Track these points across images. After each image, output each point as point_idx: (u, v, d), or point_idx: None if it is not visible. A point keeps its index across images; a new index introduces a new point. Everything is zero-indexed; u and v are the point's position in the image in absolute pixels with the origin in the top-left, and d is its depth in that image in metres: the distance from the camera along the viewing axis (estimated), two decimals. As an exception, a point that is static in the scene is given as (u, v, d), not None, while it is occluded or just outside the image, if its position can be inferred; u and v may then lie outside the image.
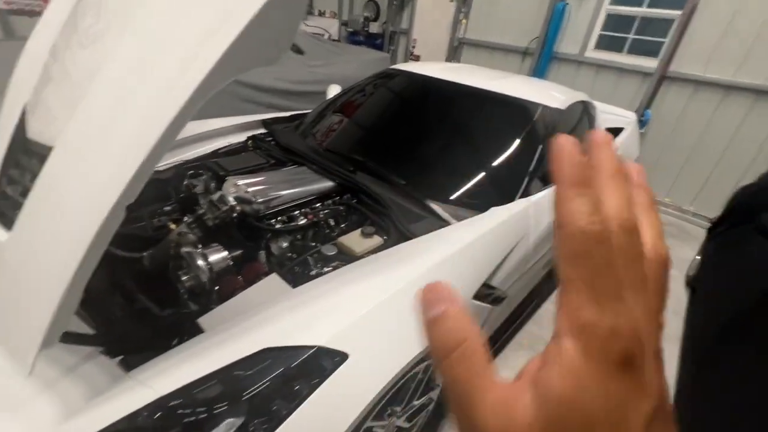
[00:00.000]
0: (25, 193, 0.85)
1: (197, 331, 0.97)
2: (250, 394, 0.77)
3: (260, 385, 0.78)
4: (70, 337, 0.84)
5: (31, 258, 0.78)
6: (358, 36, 6.18)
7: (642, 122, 3.75)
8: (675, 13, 3.46)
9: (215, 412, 0.76)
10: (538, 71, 4.34)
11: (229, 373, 0.80)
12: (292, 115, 2.31)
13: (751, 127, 3.33)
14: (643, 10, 3.70)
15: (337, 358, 0.84)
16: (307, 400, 0.79)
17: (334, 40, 5.84)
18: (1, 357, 0.78)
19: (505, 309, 1.70)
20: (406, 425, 1.23)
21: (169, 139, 0.63)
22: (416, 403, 1.20)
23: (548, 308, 2.18)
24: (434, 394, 1.28)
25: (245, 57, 0.65)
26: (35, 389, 0.81)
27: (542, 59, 4.29)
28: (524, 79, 2.51)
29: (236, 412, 0.76)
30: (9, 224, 0.84)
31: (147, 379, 0.81)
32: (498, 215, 1.39)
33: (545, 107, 1.90)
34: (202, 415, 0.76)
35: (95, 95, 0.75)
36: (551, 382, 0.17)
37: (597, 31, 4.02)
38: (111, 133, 0.69)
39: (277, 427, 0.76)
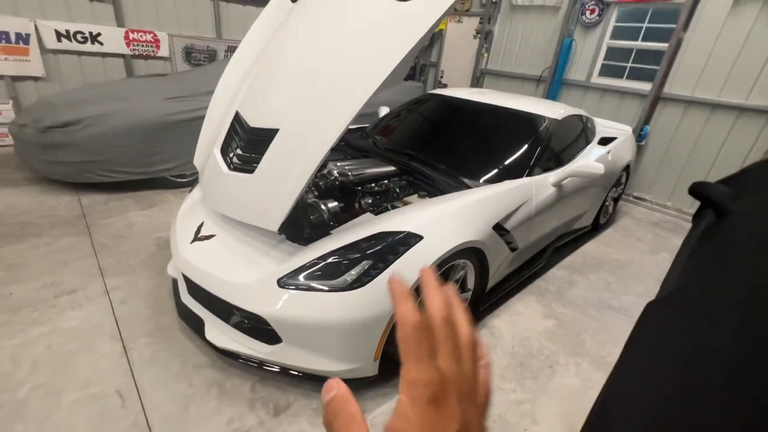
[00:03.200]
0: (253, 158, 1.65)
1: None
2: (374, 250, 1.51)
3: (379, 247, 1.52)
4: (280, 228, 1.61)
5: (270, 184, 1.56)
6: (392, 69, 7.15)
7: (641, 136, 4.37)
8: (664, 45, 4.15)
9: (357, 256, 1.50)
10: (551, 95, 5.08)
11: (362, 242, 1.54)
12: (356, 128, 3.14)
13: (737, 139, 3.90)
14: (637, 44, 4.41)
15: (418, 238, 1.57)
16: (401, 256, 1.52)
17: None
18: (261, 226, 1.58)
19: (519, 258, 2.36)
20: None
21: (352, 120, 1.41)
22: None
23: (554, 272, 2.81)
24: (467, 296, 1.96)
25: (392, 78, 1.42)
26: (262, 252, 1.59)
27: (554, 85, 5.03)
28: (531, 98, 3.25)
29: (367, 258, 1.50)
30: (249, 171, 1.64)
31: (316, 246, 1.57)
32: (509, 183, 2.11)
33: (544, 117, 2.63)
34: (349, 260, 1.50)
35: (305, 96, 1.55)
36: (390, 423, 0.25)
37: (600, 60, 4.75)
38: (320, 117, 1.49)
39: (386, 268, 1.49)
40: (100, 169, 3.22)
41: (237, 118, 1.85)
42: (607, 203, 3.51)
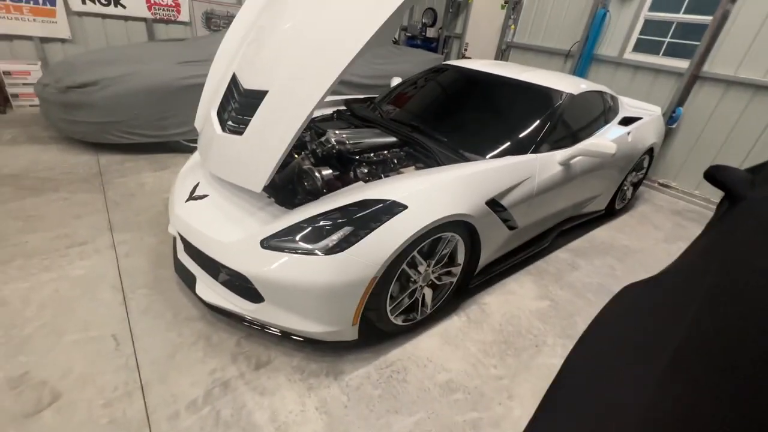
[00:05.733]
0: (244, 120, 1.65)
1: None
2: (357, 217, 1.51)
3: (362, 214, 1.52)
4: (265, 189, 1.63)
5: (257, 146, 1.57)
6: (415, 40, 6.92)
7: (672, 118, 4.08)
8: (708, 18, 3.79)
9: (339, 222, 1.50)
10: (579, 72, 4.79)
11: (347, 208, 1.54)
12: (365, 98, 3.08)
13: (779, 124, 3.58)
14: (679, 16, 4.05)
15: (401, 207, 1.55)
16: (383, 224, 1.51)
17: (394, 43, 6.62)
18: (246, 187, 1.60)
19: (519, 237, 2.30)
20: (432, 288, 1.90)
21: (337, 80, 1.37)
22: (442, 272, 1.87)
23: (557, 254, 2.73)
24: (456, 270, 1.94)
25: (380, 36, 1.37)
26: (249, 213, 1.62)
27: (582, 61, 4.73)
28: (551, 72, 3.07)
29: (350, 224, 1.50)
30: (240, 133, 1.64)
31: (301, 210, 1.58)
32: (508, 159, 2.03)
33: (558, 91, 2.49)
34: (331, 225, 1.51)
35: (291, 56, 1.53)
36: None
37: (635, 35, 4.40)
38: (304, 78, 1.46)
39: (367, 234, 1.48)
40: (117, 131, 3.33)
41: (233, 80, 1.85)
42: (625, 188, 3.34)
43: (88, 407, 1.39)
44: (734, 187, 1.67)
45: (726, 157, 3.93)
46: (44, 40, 4.43)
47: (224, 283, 1.68)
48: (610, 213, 3.35)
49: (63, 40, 4.54)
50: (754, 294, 0.92)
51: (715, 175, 1.74)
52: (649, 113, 3.42)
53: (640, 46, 4.41)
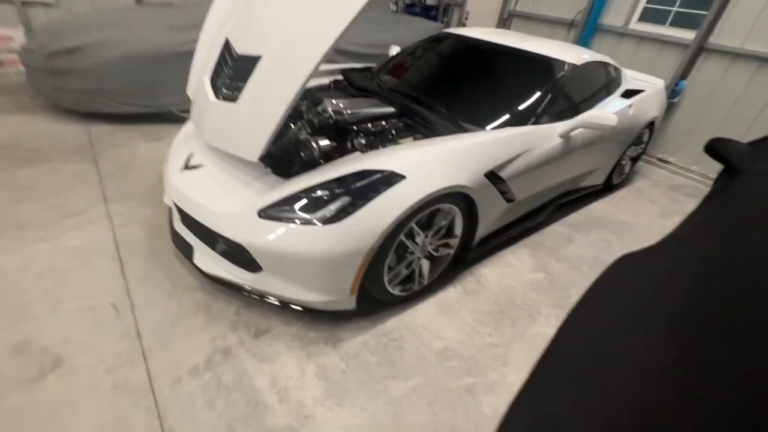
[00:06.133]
0: (238, 87, 1.60)
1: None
2: (355, 187, 1.50)
3: (360, 184, 1.50)
4: (262, 159, 1.60)
5: (252, 114, 1.53)
6: (414, 8, 6.66)
7: (675, 92, 4.01)
8: (718, -14, 3.65)
9: (337, 192, 1.49)
10: (582, 42, 4.65)
11: (345, 178, 1.52)
12: (363, 67, 2.98)
13: (782, 98, 3.53)
14: (688, -16, 3.90)
15: (400, 178, 1.53)
16: (381, 194, 1.49)
17: (393, 11, 6.38)
18: (242, 156, 1.57)
19: (517, 210, 2.30)
20: (429, 261, 1.91)
21: (335, 42, 1.32)
22: (439, 242, 1.88)
23: (553, 227, 2.75)
24: (453, 242, 1.95)
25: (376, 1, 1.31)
26: (246, 183, 1.59)
27: (586, 31, 4.59)
28: (553, 42, 2.98)
29: (348, 194, 1.49)
30: (234, 100, 1.60)
31: (298, 180, 1.56)
32: (508, 130, 2.00)
33: (560, 62, 2.43)
34: (329, 195, 1.50)
35: (284, 20, 1.46)
36: None
37: (642, 3, 4.26)
38: (299, 43, 1.41)
39: (365, 204, 1.47)
40: (105, 99, 3.23)
41: (226, 45, 1.78)
42: (624, 162, 3.32)
43: (91, 373, 1.42)
44: (735, 160, 1.66)
45: (727, 131, 3.89)
46: (26, 4, 4.21)
47: (222, 253, 1.68)
48: (607, 187, 3.34)
49: (45, 4, 4.32)
50: (752, 267, 0.93)
51: (715, 148, 1.73)
52: (652, 86, 3.35)
53: (646, 16, 4.27)
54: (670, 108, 4.09)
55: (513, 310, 1.98)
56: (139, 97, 3.31)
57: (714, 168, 4.09)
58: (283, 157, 1.85)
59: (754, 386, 0.60)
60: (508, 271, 2.26)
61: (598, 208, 3.13)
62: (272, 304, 1.65)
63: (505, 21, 5.56)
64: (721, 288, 0.86)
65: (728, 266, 0.95)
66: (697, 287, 0.87)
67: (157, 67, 3.22)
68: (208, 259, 1.72)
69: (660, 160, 4.32)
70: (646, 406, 0.60)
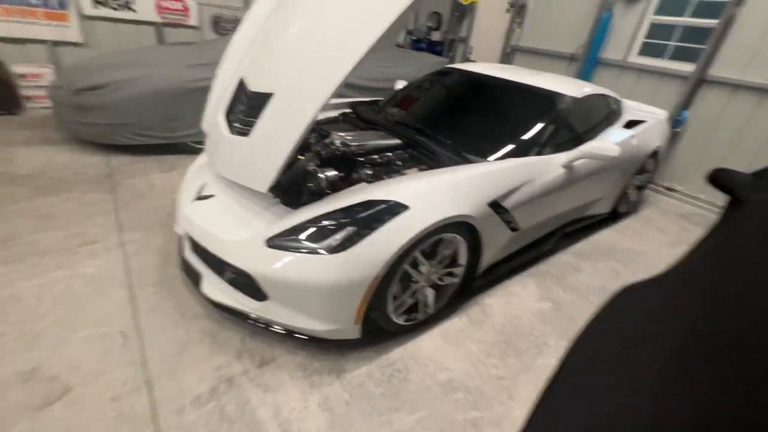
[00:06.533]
0: (251, 122, 1.69)
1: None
2: (360, 217, 1.54)
3: (365, 214, 1.55)
4: (271, 189, 1.66)
5: (263, 147, 1.61)
6: (420, 43, 6.96)
7: (678, 122, 4.07)
8: (714, 22, 3.78)
9: (343, 222, 1.53)
10: (583, 75, 4.79)
11: (351, 208, 1.57)
12: (370, 100, 3.11)
13: (787, 128, 3.56)
14: (684, 20, 4.05)
15: (404, 208, 1.58)
16: (385, 224, 1.54)
17: (399, 47, 6.67)
18: (252, 187, 1.64)
19: (521, 239, 2.32)
20: (434, 290, 1.92)
21: (342, 83, 1.41)
22: (443, 271, 1.89)
23: (560, 257, 2.74)
24: (458, 271, 1.96)
25: (384, 40, 1.40)
26: (255, 213, 1.65)
27: (587, 64, 4.74)
28: (555, 76, 3.09)
29: (353, 224, 1.53)
30: (246, 134, 1.69)
31: (305, 210, 1.62)
32: (511, 161, 2.06)
33: (560, 95, 2.51)
34: (335, 225, 1.54)
35: (295, 59, 1.57)
36: None
37: (641, 38, 4.40)
38: (309, 81, 1.50)
39: (370, 234, 1.51)
40: (127, 132, 3.40)
41: (241, 83, 1.89)
42: (629, 191, 3.33)
43: (97, 401, 1.43)
44: (738, 190, 1.68)
45: (732, 161, 3.90)
46: (57, 43, 4.53)
47: (229, 282, 1.72)
48: (614, 216, 3.34)
49: (75, 44, 4.64)
50: (755, 293, 0.93)
51: (717, 178, 1.75)
52: (655, 116, 3.42)
53: (645, 50, 4.40)
54: (674, 137, 4.14)
55: (519, 341, 1.95)
56: (158, 130, 3.48)
57: (721, 196, 4.06)
58: (292, 187, 1.92)
59: (765, 423, 0.59)
60: (513, 300, 2.25)
61: (605, 236, 3.12)
62: (277, 332, 1.66)
63: (507, 55, 5.77)
64: (726, 316, 0.86)
65: (731, 294, 0.95)
66: (701, 319, 0.88)
67: (174, 102, 3.41)
68: (215, 287, 1.75)
69: (667, 188, 4.32)
70: None
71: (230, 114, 1.88)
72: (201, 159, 2.27)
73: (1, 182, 2.82)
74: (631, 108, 3.44)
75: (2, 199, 2.60)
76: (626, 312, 1.07)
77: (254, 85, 1.78)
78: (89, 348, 1.63)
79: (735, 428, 0.60)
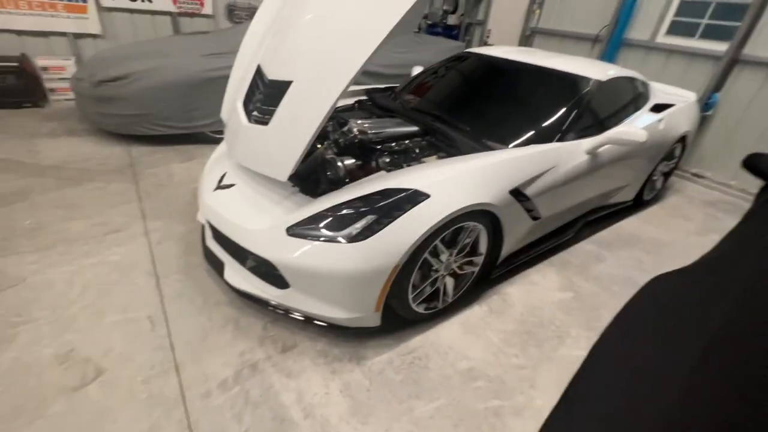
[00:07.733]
0: (269, 111, 1.68)
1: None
2: (380, 205, 1.53)
3: (385, 203, 1.54)
4: (290, 178, 1.67)
5: (282, 136, 1.61)
6: (436, 27, 6.80)
7: (708, 105, 3.88)
8: (751, -3, 3.55)
9: (362, 210, 1.53)
10: (607, 57, 4.60)
11: (370, 197, 1.56)
12: (386, 87, 3.07)
13: (828, 110, 3.35)
14: (718, -4, 3.82)
15: (424, 196, 1.56)
16: (406, 213, 1.52)
17: (415, 32, 6.53)
18: (271, 176, 1.65)
19: (543, 228, 2.27)
20: (454, 278, 1.91)
21: (361, 69, 1.38)
22: (464, 261, 1.87)
23: (582, 245, 2.68)
24: (478, 260, 1.94)
25: (403, 25, 1.36)
26: (275, 201, 1.66)
27: (611, 45, 4.54)
28: (577, 58, 2.97)
29: (372, 212, 1.52)
30: (265, 123, 1.68)
31: (325, 199, 1.61)
32: (533, 148, 2.00)
33: (584, 78, 2.41)
34: (355, 214, 1.53)
35: (313, 46, 1.54)
36: None
37: (670, 17, 4.19)
38: (327, 68, 1.48)
39: (390, 223, 1.50)
40: (146, 122, 3.45)
41: (258, 71, 1.89)
42: (655, 177, 3.22)
43: (129, 383, 1.49)
44: None
45: (766, 146, 3.72)
46: (77, 35, 4.61)
47: (251, 270, 1.74)
48: (638, 204, 3.24)
49: (95, 36, 4.71)
50: None
51: (755, 164, 1.67)
52: (683, 99, 3.26)
53: (674, 29, 4.19)
54: (704, 121, 3.96)
55: (540, 331, 1.93)
56: (177, 120, 3.52)
57: (754, 183, 3.88)
58: (310, 176, 1.92)
59: None
60: (534, 290, 2.21)
61: (628, 225, 3.04)
62: (298, 319, 1.68)
63: (527, 38, 5.59)
64: (762, 308, 0.83)
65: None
66: (736, 311, 0.84)
67: (191, 92, 3.43)
68: (237, 275, 1.78)
69: (695, 174, 4.15)
70: None
71: (248, 103, 1.88)
72: (220, 148, 2.29)
73: (29, 173, 2.91)
74: (658, 90, 3.29)
75: (31, 189, 2.69)
76: (656, 303, 1.04)
77: (272, 73, 1.76)
78: (119, 332, 1.69)
79: (765, 417, 0.57)
